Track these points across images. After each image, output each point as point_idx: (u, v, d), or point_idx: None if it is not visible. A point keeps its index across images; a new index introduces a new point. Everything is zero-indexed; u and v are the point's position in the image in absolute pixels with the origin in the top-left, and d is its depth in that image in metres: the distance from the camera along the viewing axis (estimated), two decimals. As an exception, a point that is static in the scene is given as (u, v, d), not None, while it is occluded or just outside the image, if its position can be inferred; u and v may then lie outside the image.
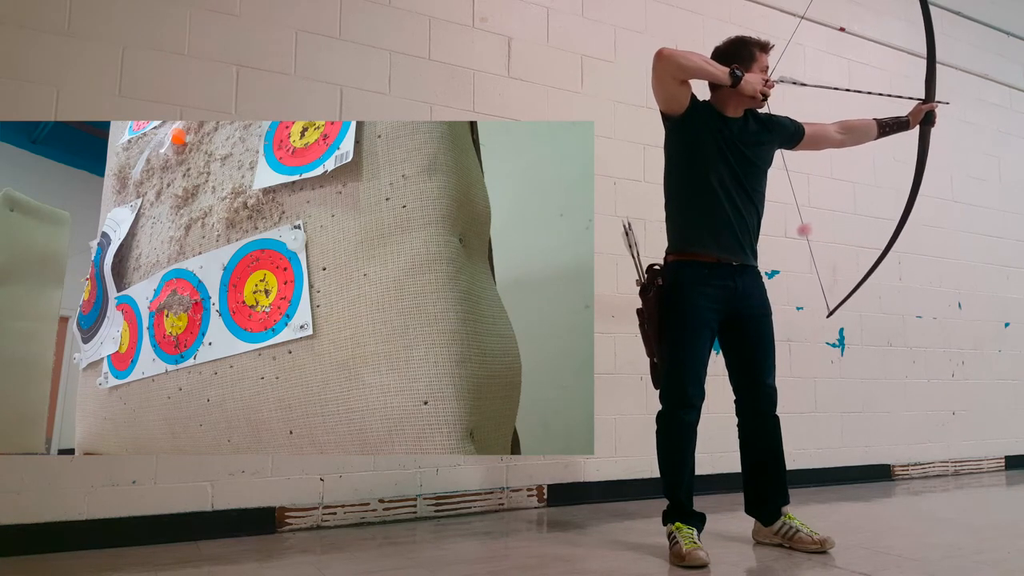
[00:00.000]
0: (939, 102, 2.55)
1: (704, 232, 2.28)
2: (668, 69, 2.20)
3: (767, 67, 2.35)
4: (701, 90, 2.44)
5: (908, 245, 4.25)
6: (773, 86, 2.34)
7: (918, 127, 2.58)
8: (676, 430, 2.27)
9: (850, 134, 2.54)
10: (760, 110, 2.40)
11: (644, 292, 2.28)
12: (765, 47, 2.36)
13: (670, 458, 2.29)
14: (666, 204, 2.38)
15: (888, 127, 2.55)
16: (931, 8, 2.64)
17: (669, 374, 2.26)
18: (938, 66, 2.60)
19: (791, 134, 2.46)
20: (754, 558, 2.26)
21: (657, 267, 2.31)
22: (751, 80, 2.24)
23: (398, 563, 2.14)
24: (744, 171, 2.31)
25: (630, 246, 2.28)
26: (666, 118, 2.33)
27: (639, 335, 2.34)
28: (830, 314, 2.74)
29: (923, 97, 2.56)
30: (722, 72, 2.21)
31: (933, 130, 2.62)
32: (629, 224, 2.32)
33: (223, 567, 2.09)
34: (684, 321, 2.24)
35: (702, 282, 2.25)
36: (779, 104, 3.87)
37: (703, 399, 2.27)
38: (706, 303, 2.25)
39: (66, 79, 2.38)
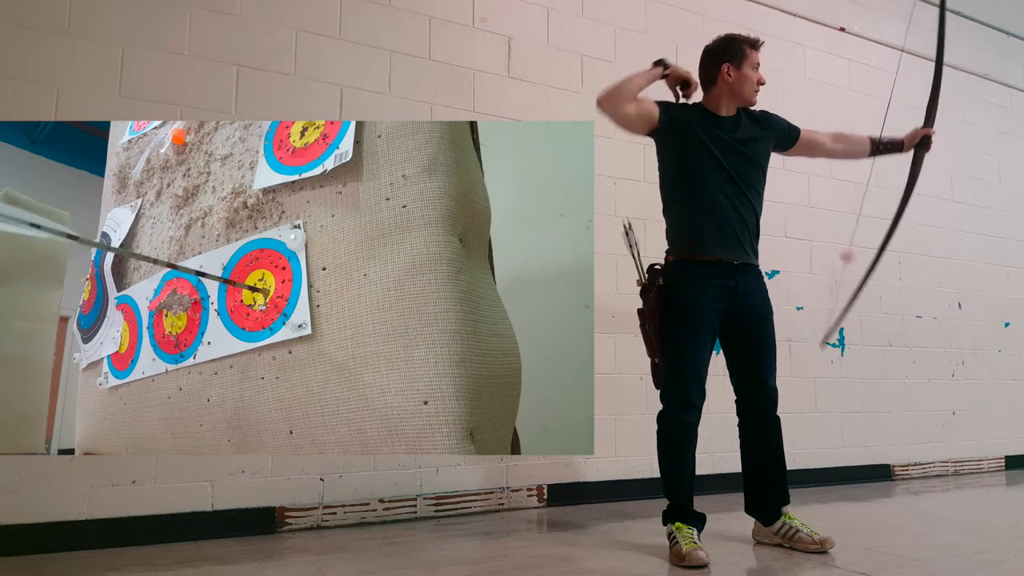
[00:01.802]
0: (934, 132, 2.53)
1: (704, 233, 2.28)
2: (613, 104, 2.25)
3: (758, 64, 2.37)
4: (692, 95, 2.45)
5: (908, 245, 4.25)
6: (764, 83, 2.37)
7: (912, 150, 2.57)
8: (677, 430, 2.27)
9: (843, 144, 2.54)
10: (754, 107, 2.41)
11: (645, 292, 2.28)
12: (755, 44, 2.38)
13: (671, 458, 2.29)
14: (664, 209, 2.38)
15: (882, 146, 2.54)
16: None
17: (670, 374, 2.25)
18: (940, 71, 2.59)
19: (786, 133, 2.47)
20: (754, 558, 2.26)
21: (658, 267, 2.31)
22: (678, 67, 2.33)
23: (398, 563, 2.14)
24: (739, 169, 2.31)
25: (630, 246, 2.28)
26: (648, 134, 2.34)
27: (639, 335, 2.34)
28: (823, 343, 2.68)
29: (926, 113, 2.53)
30: (651, 73, 2.30)
31: (928, 154, 2.58)
32: (629, 224, 2.32)
33: (223, 567, 2.09)
34: (685, 321, 2.24)
35: (703, 281, 2.25)
36: (778, 104, 3.87)
37: (704, 399, 2.27)
38: (707, 303, 2.25)
39: (66, 79, 2.38)
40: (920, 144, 2.55)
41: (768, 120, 2.43)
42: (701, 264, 2.26)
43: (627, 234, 2.28)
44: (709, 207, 2.27)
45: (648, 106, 2.28)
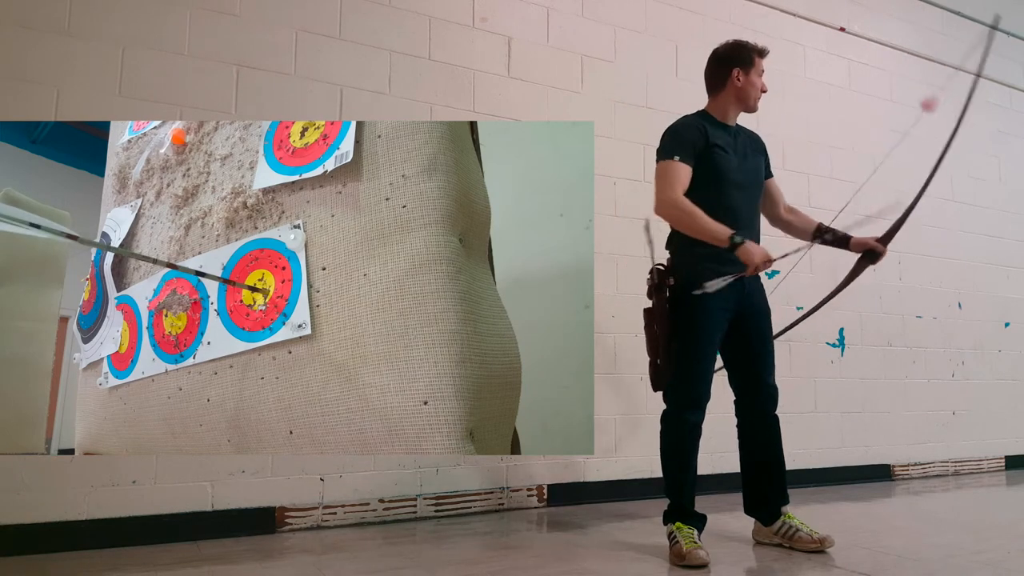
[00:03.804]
0: (885, 252, 2.40)
1: (725, 251, 2.27)
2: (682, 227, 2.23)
3: (763, 72, 2.37)
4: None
5: (908, 245, 4.25)
6: (766, 91, 2.37)
7: (859, 256, 2.44)
8: (682, 431, 2.27)
9: (792, 217, 2.50)
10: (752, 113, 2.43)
11: (658, 292, 2.25)
12: (762, 52, 2.38)
13: (674, 459, 2.28)
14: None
15: (827, 237, 2.44)
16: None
17: (680, 374, 2.24)
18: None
19: (766, 168, 2.47)
20: (754, 558, 2.26)
21: (661, 267, 2.29)
22: (751, 250, 2.16)
23: (398, 563, 2.14)
24: (750, 177, 2.35)
25: (650, 242, 2.24)
26: None
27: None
28: (778, 335, 2.59)
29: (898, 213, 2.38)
30: (720, 236, 2.18)
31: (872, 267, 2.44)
32: (648, 223, 2.25)
33: (223, 567, 2.09)
34: (697, 321, 2.23)
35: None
36: (778, 104, 3.88)
37: (709, 399, 2.27)
38: (718, 303, 2.25)
39: (66, 79, 2.38)
40: (866, 256, 2.42)
41: (761, 144, 2.46)
42: (716, 268, 2.26)
43: (647, 230, 2.23)
44: (727, 212, 2.26)
45: (686, 180, 2.22)
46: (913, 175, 2.69)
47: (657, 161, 2.29)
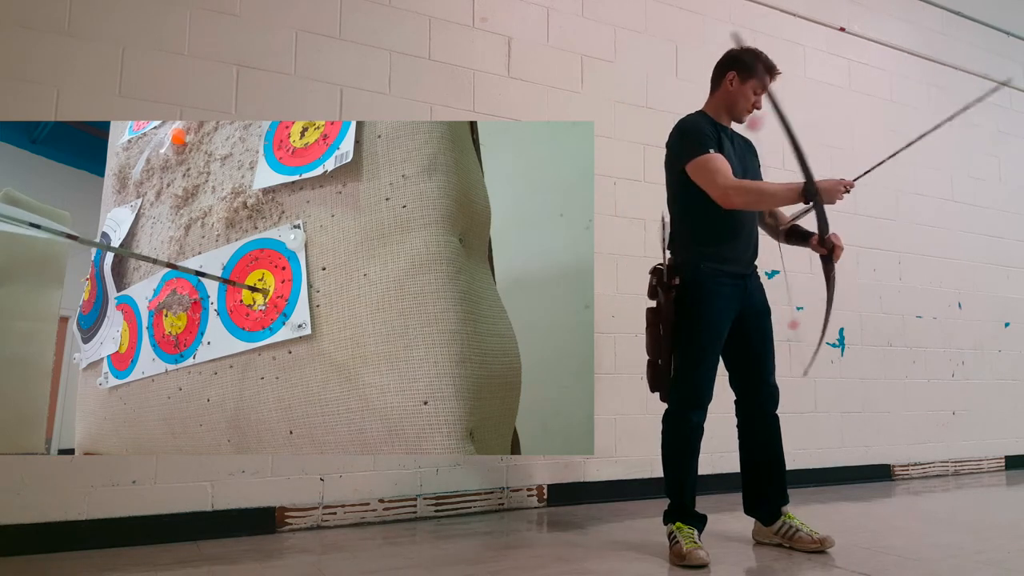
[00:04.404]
0: (836, 248, 2.33)
1: (728, 245, 2.28)
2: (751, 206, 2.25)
3: (764, 90, 2.34)
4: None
5: (908, 245, 4.25)
6: (759, 108, 2.37)
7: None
8: (684, 431, 2.27)
9: (771, 220, 2.50)
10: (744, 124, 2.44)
11: (665, 291, 2.23)
12: (772, 69, 2.34)
13: (676, 459, 2.28)
14: (684, 208, 2.31)
15: (793, 236, 2.44)
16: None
17: (684, 374, 2.24)
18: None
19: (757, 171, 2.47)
20: (754, 558, 2.26)
21: (662, 267, 2.28)
22: (829, 189, 2.21)
23: (398, 563, 2.14)
24: (751, 177, 2.36)
25: (664, 240, 2.24)
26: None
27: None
28: (805, 372, 2.54)
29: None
30: (795, 191, 2.20)
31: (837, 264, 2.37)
32: (664, 217, 2.26)
33: (223, 567, 2.09)
34: (702, 321, 2.23)
35: (720, 281, 2.25)
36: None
37: (711, 400, 2.27)
38: (723, 303, 2.25)
39: (66, 79, 2.38)
40: (823, 257, 2.36)
41: (754, 147, 2.47)
42: (718, 267, 2.26)
43: (664, 228, 2.24)
44: (736, 229, 2.27)
45: (728, 168, 2.21)
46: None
47: (688, 160, 2.22)
